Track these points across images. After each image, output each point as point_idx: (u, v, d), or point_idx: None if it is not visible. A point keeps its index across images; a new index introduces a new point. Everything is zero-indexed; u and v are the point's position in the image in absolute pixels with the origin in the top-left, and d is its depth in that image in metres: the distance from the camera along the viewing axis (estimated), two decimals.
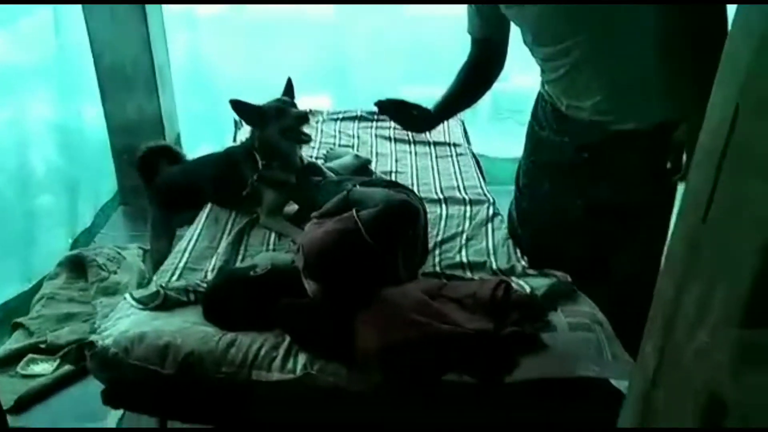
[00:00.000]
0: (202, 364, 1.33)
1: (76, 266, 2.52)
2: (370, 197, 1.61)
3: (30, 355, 2.07)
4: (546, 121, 1.66)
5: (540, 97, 1.70)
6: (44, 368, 2.03)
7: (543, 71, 1.60)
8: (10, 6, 2.48)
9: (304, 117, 1.96)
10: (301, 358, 1.34)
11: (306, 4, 3.15)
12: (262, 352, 1.35)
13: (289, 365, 1.33)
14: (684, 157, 1.32)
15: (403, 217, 1.58)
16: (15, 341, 2.14)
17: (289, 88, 2.06)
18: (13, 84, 2.53)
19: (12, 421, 1.83)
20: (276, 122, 1.94)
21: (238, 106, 1.94)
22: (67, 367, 2.01)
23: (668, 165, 1.37)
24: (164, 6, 3.02)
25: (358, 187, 1.73)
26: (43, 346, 2.10)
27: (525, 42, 1.56)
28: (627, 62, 1.40)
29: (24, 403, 1.90)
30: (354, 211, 1.47)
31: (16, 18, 2.57)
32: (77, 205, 2.89)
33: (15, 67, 2.56)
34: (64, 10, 2.75)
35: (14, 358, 2.06)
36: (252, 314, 1.42)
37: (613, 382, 1.28)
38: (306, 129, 2.01)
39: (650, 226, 1.45)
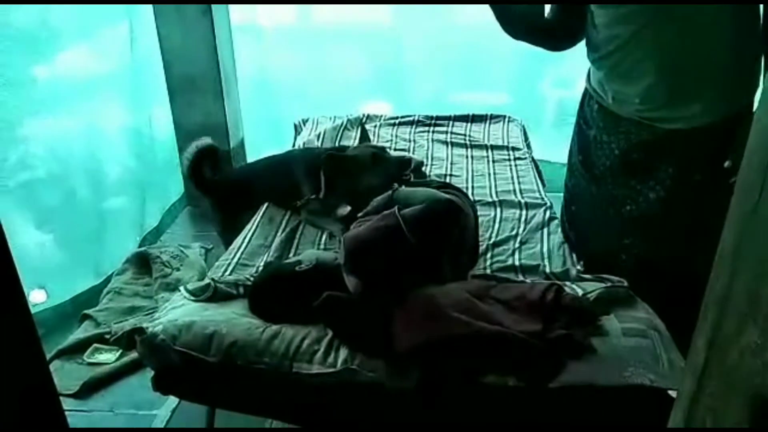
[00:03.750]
0: (245, 353, 1.35)
1: (142, 263, 2.64)
2: (414, 196, 1.59)
3: (95, 345, 2.18)
4: (593, 119, 1.58)
5: (586, 93, 1.62)
6: (107, 357, 2.13)
7: (594, 48, 1.48)
8: (91, 18, 2.65)
9: (410, 164, 1.99)
10: (342, 353, 1.34)
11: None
12: (305, 345, 1.36)
13: (330, 359, 1.33)
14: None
15: (446, 216, 1.54)
16: (83, 331, 2.26)
17: (364, 135, 2.10)
18: (90, 91, 2.69)
19: (76, 404, 1.94)
20: (373, 176, 1.94)
21: (332, 160, 1.95)
22: (128, 357, 2.09)
23: (726, 164, 1.27)
24: (231, 16, 3.13)
25: (403, 187, 1.72)
26: (107, 336, 2.21)
27: None
28: (686, 42, 1.29)
29: (88, 389, 2.00)
30: (396, 208, 1.46)
31: (95, 30, 2.73)
32: (146, 206, 3.02)
33: (93, 75, 2.72)
34: (139, 21, 2.90)
35: (81, 346, 2.18)
36: (295, 308, 1.43)
37: (670, 392, 1.20)
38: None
39: (707, 232, 1.35)
